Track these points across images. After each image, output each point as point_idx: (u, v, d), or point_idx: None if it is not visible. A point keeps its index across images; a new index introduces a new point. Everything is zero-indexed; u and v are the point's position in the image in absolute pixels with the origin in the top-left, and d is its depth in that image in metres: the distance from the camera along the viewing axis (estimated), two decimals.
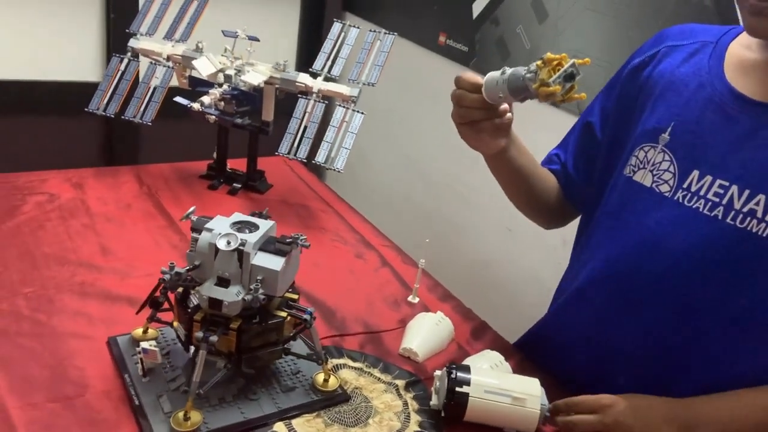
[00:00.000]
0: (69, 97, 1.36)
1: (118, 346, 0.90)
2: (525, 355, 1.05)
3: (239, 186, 1.44)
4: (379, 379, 0.93)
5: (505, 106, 0.86)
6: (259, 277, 0.79)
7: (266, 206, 1.40)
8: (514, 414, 0.85)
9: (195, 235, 0.81)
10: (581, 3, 1.50)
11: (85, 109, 1.38)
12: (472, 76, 0.85)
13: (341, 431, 0.83)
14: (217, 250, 0.78)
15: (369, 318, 1.07)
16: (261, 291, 0.77)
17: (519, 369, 0.99)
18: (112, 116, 1.38)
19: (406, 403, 0.90)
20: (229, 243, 0.77)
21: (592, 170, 0.99)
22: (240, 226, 0.82)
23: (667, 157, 0.84)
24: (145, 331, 0.91)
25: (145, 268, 1.09)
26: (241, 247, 0.78)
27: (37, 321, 0.93)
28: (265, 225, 0.83)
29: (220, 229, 0.80)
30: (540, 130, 1.25)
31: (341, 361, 0.96)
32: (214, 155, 1.47)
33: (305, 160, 1.31)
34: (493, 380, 0.87)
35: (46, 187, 1.31)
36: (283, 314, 0.84)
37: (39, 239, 1.13)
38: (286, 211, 1.40)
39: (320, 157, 1.28)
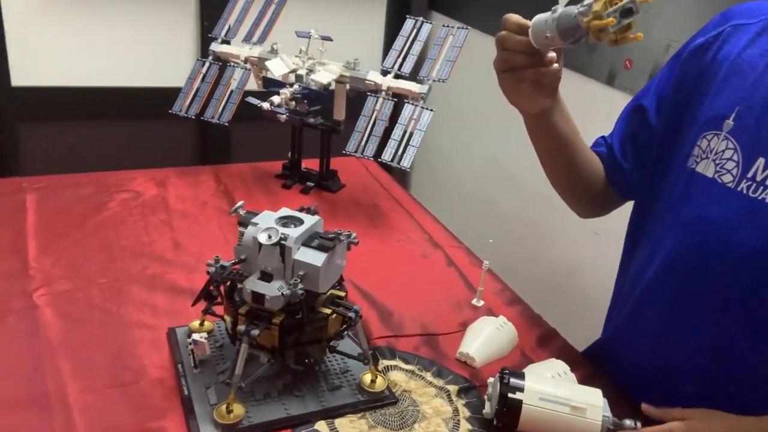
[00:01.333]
0: (166, 101, 1.44)
1: (176, 336, 0.93)
2: (594, 366, 0.97)
3: (312, 185, 1.46)
4: (431, 383, 0.90)
5: (552, 55, 0.78)
6: (300, 272, 0.78)
7: (337, 205, 1.42)
8: (572, 425, 0.79)
9: (242, 229, 0.82)
10: None
11: (169, 111, 1.45)
12: (519, 17, 0.78)
13: None
14: (260, 244, 0.78)
15: (428, 320, 1.04)
16: (300, 286, 0.77)
17: (585, 380, 0.92)
18: (193, 117, 1.44)
19: (456, 410, 0.86)
20: (270, 237, 0.77)
21: (641, 156, 0.91)
22: (285, 221, 0.82)
23: (730, 145, 0.76)
24: (201, 324, 0.93)
25: None
26: (282, 242, 0.78)
27: (107, 310, 0.98)
28: (310, 220, 0.83)
29: (265, 224, 0.80)
30: (595, 117, 1.17)
31: (393, 362, 0.93)
32: (289, 155, 1.50)
33: (372, 158, 1.30)
34: (550, 388, 0.81)
35: (132, 185, 1.39)
36: (328, 311, 0.82)
37: (119, 233, 1.20)
38: (356, 210, 1.40)
39: (387, 155, 1.26)
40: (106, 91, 2.06)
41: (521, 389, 0.80)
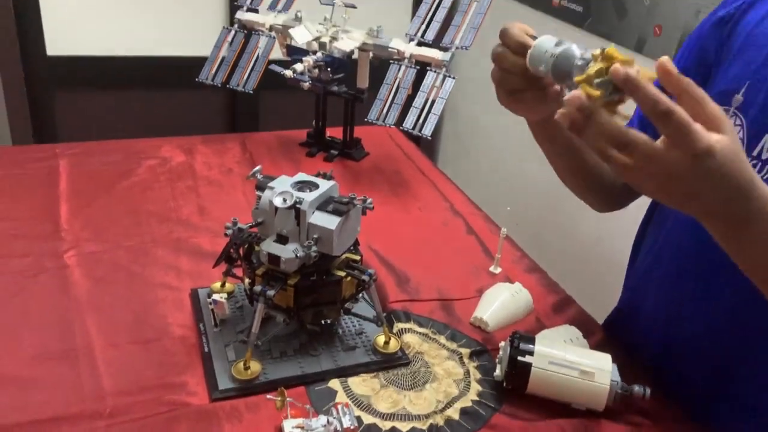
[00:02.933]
0: (195, 70, 1.46)
1: (198, 297, 0.96)
2: (609, 333, 0.97)
3: (336, 153, 1.47)
4: (444, 345, 0.92)
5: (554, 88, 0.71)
6: (314, 236, 0.80)
7: (360, 173, 1.43)
8: (581, 388, 0.80)
9: (259, 193, 0.84)
10: None
11: (196, 79, 1.47)
12: (519, 32, 0.68)
13: (395, 393, 0.82)
14: (276, 207, 0.80)
15: (444, 285, 1.05)
16: (314, 249, 0.78)
17: (598, 347, 0.92)
18: (219, 85, 1.46)
19: (468, 372, 0.87)
20: (285, 201, 0.79)
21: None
22: (301, 185, 0.84)
23: (738, 121, 0.72)
24: (222, 285, 0.96)
25: None
26: (297, 205, 0.80)
27: (132, 271, 1.02)
28: (325, 185, 0.84)
29: (281, 188, 0.82)
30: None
31: (407, 325, 0.95)
32: (314, 123, 1.51)
33: (394, 126, 1.30)
34: (560, 352, 0.82)
35: (160, 152, 1.42)
36: (342, 274, 0.84)
37: (147, 198, 1.23)
38: (378, 178, 1.41)
39: (408, 123, 1.26)
40: (137, 60, 2.10)
41: (531, 353, 0.81)
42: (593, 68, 0.58)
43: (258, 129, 2.24)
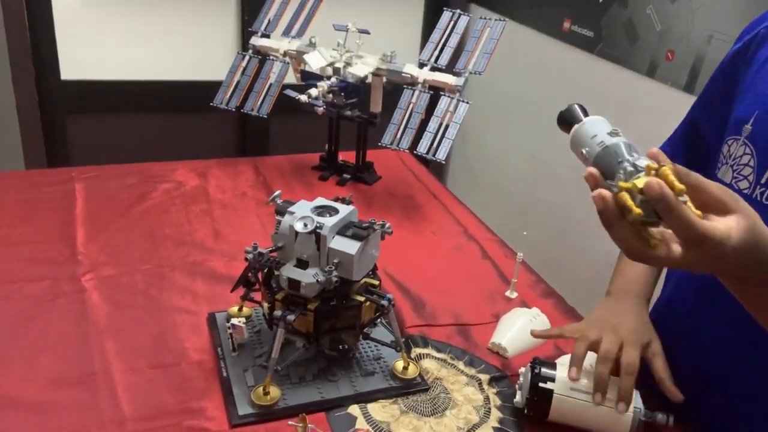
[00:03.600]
0: (207, 95, 1.48)
1: (215, 321, 0.96)
2: None
3: (348, 177, 1.48)
4: (463, 371, 0.91)
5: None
6: (335, 260, 0.80)
7: (373, 197, 1.43)
8: (603, 415, 0.79)
9: (279, 217, 0.84)
10: None
11: (211, 104, 1.49)
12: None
13: (415, 419, 0.82)
14: (296, 232, 0.80)
15: (461, 310, 1.05)
16: (335, 274, 0.79)
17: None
18: (233, 110, 1.48)
19: (487, 398, 0.87)
20: (305, 225, 0.79)
21: (692, 166, 0.89)
22: (321, 210, 0.84)
23: (748, 150, 0.74)
24: (240, 309, 0.96)
25: None
26: (318, 230, 0.80)
27: (150, 295, 1.02)
28: (344, 210, 0.84)
29: (301, 213, 0.82)
30: (636, 110, 1.15)
31: (425, 350, 0.94)
32: (326, 147, 1.52)
33: (408, 151, 1.31)
34: (583, 378, 0.81)
35: (175, 175, 1.43)
36: (361, 299, 0.84)
37: (162, 222, 1.24)
38: (391, 202, 1.41)
39: (422, 147, 1.27)
40: (150, 84, 2.13)
41: (552, 379, 0.81)
42: (642, 181, 0.52)
43: (268, 153, 2.26)
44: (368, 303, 0.85)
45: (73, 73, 2.04)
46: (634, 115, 1.25)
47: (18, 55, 1.94)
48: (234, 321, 0.88)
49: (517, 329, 0.98)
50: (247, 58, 1.49)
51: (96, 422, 0.77)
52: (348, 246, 0.80)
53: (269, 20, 1.51)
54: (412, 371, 0.88)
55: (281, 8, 1.51)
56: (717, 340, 0.80)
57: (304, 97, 1.29)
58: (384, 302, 0.84)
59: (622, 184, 0.54)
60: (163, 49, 2.11)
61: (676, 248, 0.54)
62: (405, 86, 1.35)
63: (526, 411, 0.83)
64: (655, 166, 0.53)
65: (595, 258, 1.81)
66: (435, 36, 1.38)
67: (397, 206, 1.40)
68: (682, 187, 0.52)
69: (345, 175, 1.48)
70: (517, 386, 0.86)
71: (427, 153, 1.26)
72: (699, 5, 1.41)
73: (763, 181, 0.72)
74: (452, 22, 1.38)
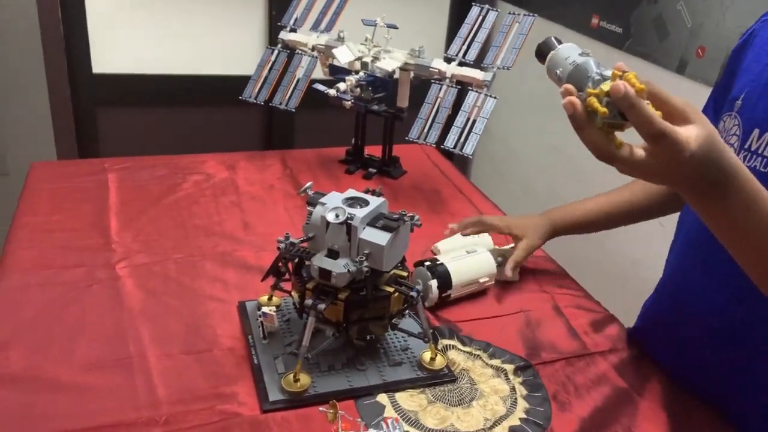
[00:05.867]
0: (235, 89, 1.50)
1: (245, 310, 0.98)
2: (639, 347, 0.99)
3: (374, 171, 1.49)
4: (488, 364, 0.92)
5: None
6: (365, 251, 0.81)
7: (398, 191, 1.44)
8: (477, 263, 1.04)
9: (310, 208, 0.86)
10: None
11: (239, 98, 1.51)
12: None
13: (443, 409, 0.83)
14: (328, 223, 0.82)
15: (485, 303, 1.06)
16: (366, 264, 0.80)
17: (632, 361, 0.93)
18: (262, 103, 1.49)
19: (513, 389, 0.88)
20: (337, 216, 0.81)
21: None
22: (351, 202, 0.85)
23: (736, 122, 0.79)
24: (269, 298, 0.98)
25: None
26: (349, 221, 0.81)
27: (182, 283, 1.04)
28: (375, 201, 0.86)
29: (333, 204, 0.84)
30: None
31: (452, 342, 0.95)
32: (353, 141, 1.53)
33: (434, 145, 1.32)
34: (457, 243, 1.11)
35: (204, 167, 1.45)
36: (390, 290, 0.86)
37: (192, 213, 1.26)
38: (417, 196, 1.42)
39: (449, 142, 1.28)
40: (180, 78, 2.16)
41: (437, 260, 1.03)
42: (607, 85, 0.59)
43: (293, 146, 2.28)
44: (397, 294, 0.86)
45: (104, 67, 2.08)
46: None
47: (51, 49, 1.98)
48: (265, 309, 0.90)
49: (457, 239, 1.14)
50: (276, 52, 1.51)
51: (131, 405, 0.80)
52: (379, 237, 0.82)
53: (297, 15, 1.53)
54: (440, 362, 0.89)
55: (310, 3, 1.53)
56: (717, 306, 0.83)
57: (332, 92, 1.30)
58: (413, 293, 0.85)
59: (590, 90, 0.60)
60: (191, 45, 2.14)
61: (639, 151, 0.59)
62: (432, 81, 1.35)
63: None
64: (620, 73, 0.59)
65: (617, 252, 1.80)
66: (463, 31, 1.38)
67: (423, 200, 1.41)
68: (642, 86, 0.58)
69: (371, 169, 1.49)
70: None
71: (455, 147, 1.27)
72: (731, 1, 1.40)
73: (746, 146, 0.77)
74: (480, 17, 1.39)
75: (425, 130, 1.32)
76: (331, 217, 0.81)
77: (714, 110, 0.90)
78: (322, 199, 0.86)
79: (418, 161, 1.59)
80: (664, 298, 0.96)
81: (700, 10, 1.47)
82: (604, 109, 0.58)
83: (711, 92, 0.94)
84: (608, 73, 0.61)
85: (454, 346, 0.95)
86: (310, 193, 0.88)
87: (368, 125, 1.51)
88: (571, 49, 0.67)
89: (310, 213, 0.86)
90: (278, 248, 0.85)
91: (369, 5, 1.58)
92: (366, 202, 0.86)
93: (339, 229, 0.82)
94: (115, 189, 1.32)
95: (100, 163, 1.43)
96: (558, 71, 0.67)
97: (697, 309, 0.86)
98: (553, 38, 0.71)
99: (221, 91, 2.13)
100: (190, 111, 2.22)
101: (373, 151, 1.53)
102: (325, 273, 0.82)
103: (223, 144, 1.72)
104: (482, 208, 1.39)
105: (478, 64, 1.34)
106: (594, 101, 0.59)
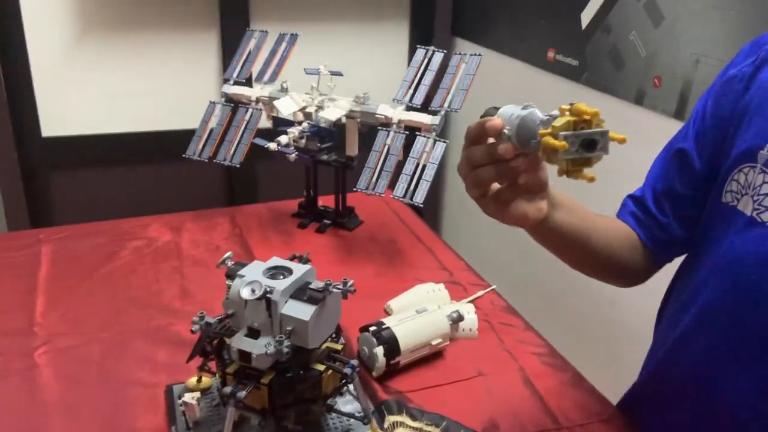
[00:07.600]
0: (189, 143, 1.43)
1: (172, 395, 0.88)
2: (627, 417, 0.88)
3: (329, 223, 1.42)
4: None
5: (519, 161, 0.65)
6: (288, 328, 0.73)
7: (353, 244, 1.36)
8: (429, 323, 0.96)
9: (229, 282, 0.78)
10: (700, 0, 1.30)
11: (183, 156, 1.44)
12: (477, 122, 0.67)
13: None
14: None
15: (439, 367, 0.97)
16: (287, 343, 0.71)
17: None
18: (206, 160, 1.42)
19: None
20: (253, 291, 0.73)
21: (682, 207, 0.82)
22: (273, 272, 0.77)
23: (767, 179, 0.67)
24: (199, 380, 0.89)
25: (219, 312, 1.08)
26: (268, 295, 0.73)
27: (105, 368, 0.95)
28: (300, 270, 0.77)
29: (252, 276, 0.76)
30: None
31: (400, 418, 0.86)
32: (305, 193, 1.46)
33: (382, 195, 1.24)
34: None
35: (147, 231, 1.37)
36: (322, 367, 0.77)
37: (129, 284, 1.18)
38: (373, 248, 1.34)
39: (398, 191, 1.20)
40: (133, 136, 2.09)
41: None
42: (560, 121, 0.58)
43: (257, 197, 2.21)
44: (330, 372, 0.77)
45: (54, 130, 2.01)
46: (625, 145, 1.18)
47: None
48: (186, 398, 0.80)
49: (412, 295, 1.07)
50: (219, 106, 1.45)
51: None
52: (302, 311, 0.73)
53: (241, 67, 1.47)
54: None
55: (253, 54, 1.47)
56: (752, 398, 0.70)
57: (273, 145, 1.23)
58: (347, 370, 0.77)
59: (542, 131, 0.58)
60: (143, 101, 2.08)
61: None
62: (380, 127, 1.29)
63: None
64: (567, 107, 0.58)
65: (597, 296, 1.72)
66: (409, 74, 1.33)
67: (379, 252, 1.33)
68: (595, 110, 0.57)
69: (325, 221, 1.42)
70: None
71: (404, 197, 1.20)
72: (683, 29, 1.35)
73: None
74: (426, 59, 1.33)
75: (373, 179, 1.25)
76: (246, 293, 0.73)
77: (699, 156, 0.79)
78: (242, 271, 0.78)
79: (376, 209, 1.51)
80: (665, 379, 0.82)
81: (653, 40, 1.42)
82: (563, 142, 0.57)
83: (678, 136, 0.83)
84: (556, 112, 0.59)
85: (402, 423, 0.85)
86: (229, 264, 0.80)
87: (324, 175, 1.44)
88: (512, 108, 0.66)
89: (229, 287, 0.77)
90: (192, 331, 0.76)
91: (327, 50, 1.53)
92: (289, 271, 0.77)
93: (258, 304, 0.73)
94: (48, 263, 1.23)
95: (35, 234, 1.35)
96: (506, 131, 0.65)
97: (724, 398, 0.72)
98: (492, 108, 0.70)
99: (178, 146, 2.07)
100: (148, 169, 2.15)
101: (329, 201, 1.46)
102: (244, 355, 0.73)
103: (184, 200, 1.65)
104: (443, 258, 1.31)
105: (425, 107, 1.28)
106: (550, 140, 0.57)
